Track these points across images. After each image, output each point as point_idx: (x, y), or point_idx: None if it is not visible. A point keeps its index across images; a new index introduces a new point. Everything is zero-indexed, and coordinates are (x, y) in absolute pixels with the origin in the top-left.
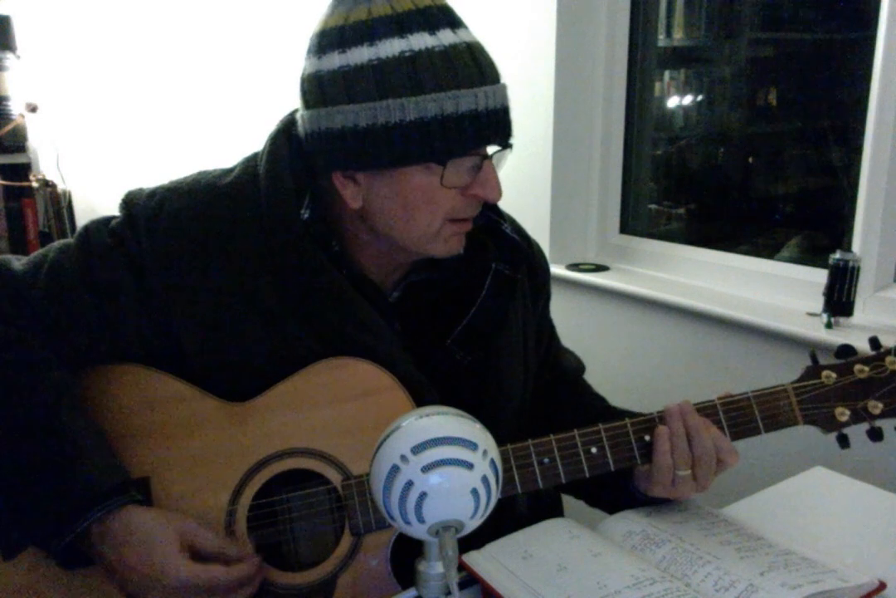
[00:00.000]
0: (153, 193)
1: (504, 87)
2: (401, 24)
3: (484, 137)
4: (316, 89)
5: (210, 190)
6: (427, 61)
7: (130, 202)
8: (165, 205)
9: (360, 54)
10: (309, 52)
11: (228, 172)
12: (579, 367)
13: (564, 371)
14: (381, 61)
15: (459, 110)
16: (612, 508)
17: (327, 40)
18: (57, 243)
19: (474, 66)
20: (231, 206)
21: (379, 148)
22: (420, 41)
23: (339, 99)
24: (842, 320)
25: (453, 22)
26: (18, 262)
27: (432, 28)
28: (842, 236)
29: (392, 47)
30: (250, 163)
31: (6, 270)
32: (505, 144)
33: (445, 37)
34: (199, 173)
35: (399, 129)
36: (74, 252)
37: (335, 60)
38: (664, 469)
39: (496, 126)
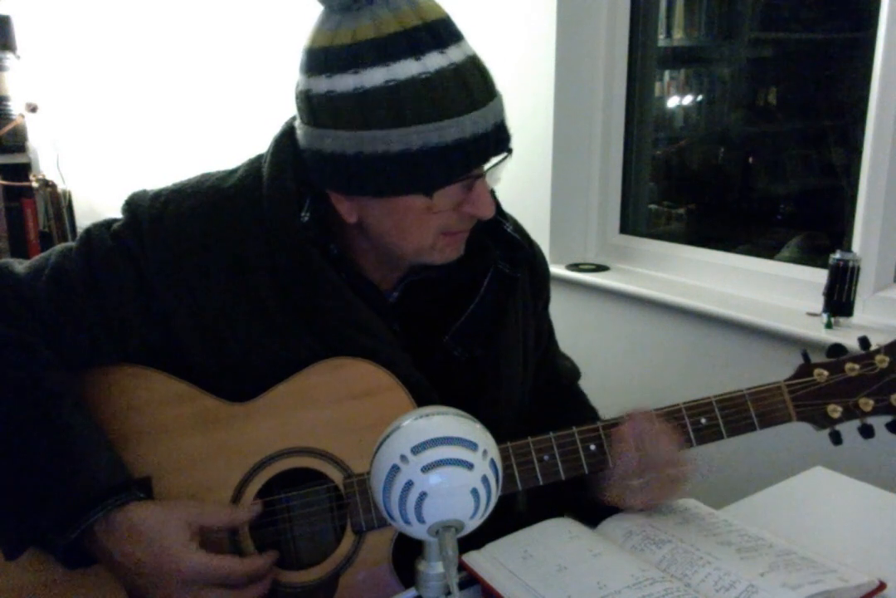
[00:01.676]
0: (157, 195)
1: (499, 102)
2: (385, 51)
3: (472, 163)
4: (307, 108)
5: (214, 192)
6: (411, 92)
7: (133, 204)
8: (169, 207)
9: (345, 82)
10: (299, 68)
11: (232, 173)
12: (574, 372)
13: (559, 375)
14: (365, 91)
15: (445, 141)
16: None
17: (314, 62)
18: (59, 247)
19: (462, 91)
20: (234, 208)
21: (365, 178)
22: (404, 69)
23: (327, 123)
24: (842, 320)
25: (442, 41)
26: (21, 265)
27: (418, 52)
28: (842, 236)
29: (375, 77)
30: (254, 165)
31: (9, 273)
32: (508, 151)
33: (431, 61)
34: (203, 175)
35: (384, 160)
36: (76, 255)
37: (322, 84)
38: (618, 477)
39: (486, 149)
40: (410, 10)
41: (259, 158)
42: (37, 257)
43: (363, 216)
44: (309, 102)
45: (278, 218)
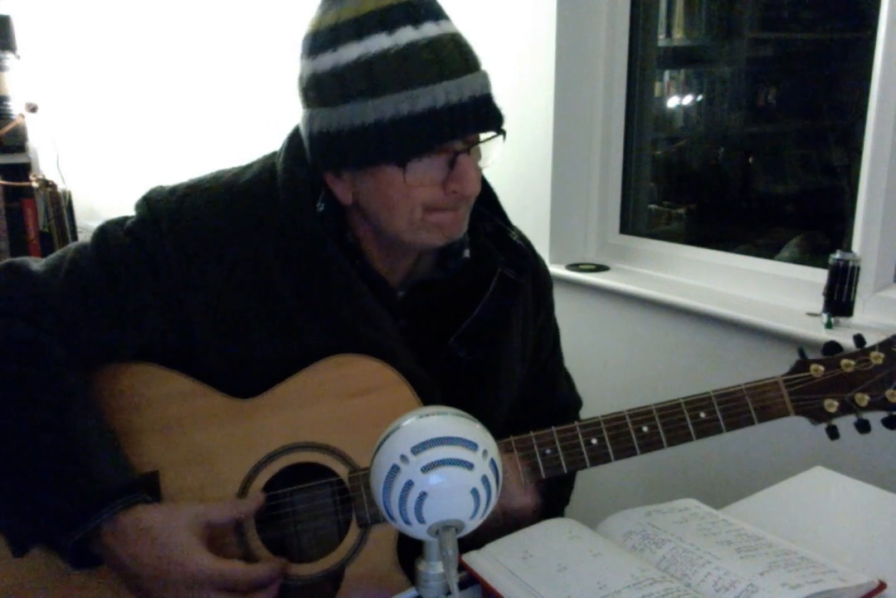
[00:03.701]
0: (174, 190)
1: (479, 77)
2: (360, 28)
3: (444, 133)
4: (301, 91)
5: (230, 187)
6: (382, 63)
7: (151, 200)
8: (186, 202)
9: (325, 61)
10: (300, 54)
11: (247, 168)
12: (571, 399)
13: (553, 393)
14: (341, 67)
15: (416, 110)
16: None
17: (306, 45)
18: (74, 244)
19: (433, 61)
20: (250, 202)
21: (345, 151)
22: (376, 43)
23: (314, 103)
24: (842, 320)
25: (416, 18)
26: (38, 264)
27: (391, 28)
28: (842, 236)
29: (350, 52)
30: (269, 160)
31: (26, 271)
32: (494, 130)
33: (404, 35)
34: (219, 171)
35: (361, 132)
36: (92, 253)
37: (308, 66)
38: None
39: (461, 122)
40: None
41: (274, 154)
42: (53, 255)
43: (356, 196)
44: (301, 86)
45: (293, 210)
